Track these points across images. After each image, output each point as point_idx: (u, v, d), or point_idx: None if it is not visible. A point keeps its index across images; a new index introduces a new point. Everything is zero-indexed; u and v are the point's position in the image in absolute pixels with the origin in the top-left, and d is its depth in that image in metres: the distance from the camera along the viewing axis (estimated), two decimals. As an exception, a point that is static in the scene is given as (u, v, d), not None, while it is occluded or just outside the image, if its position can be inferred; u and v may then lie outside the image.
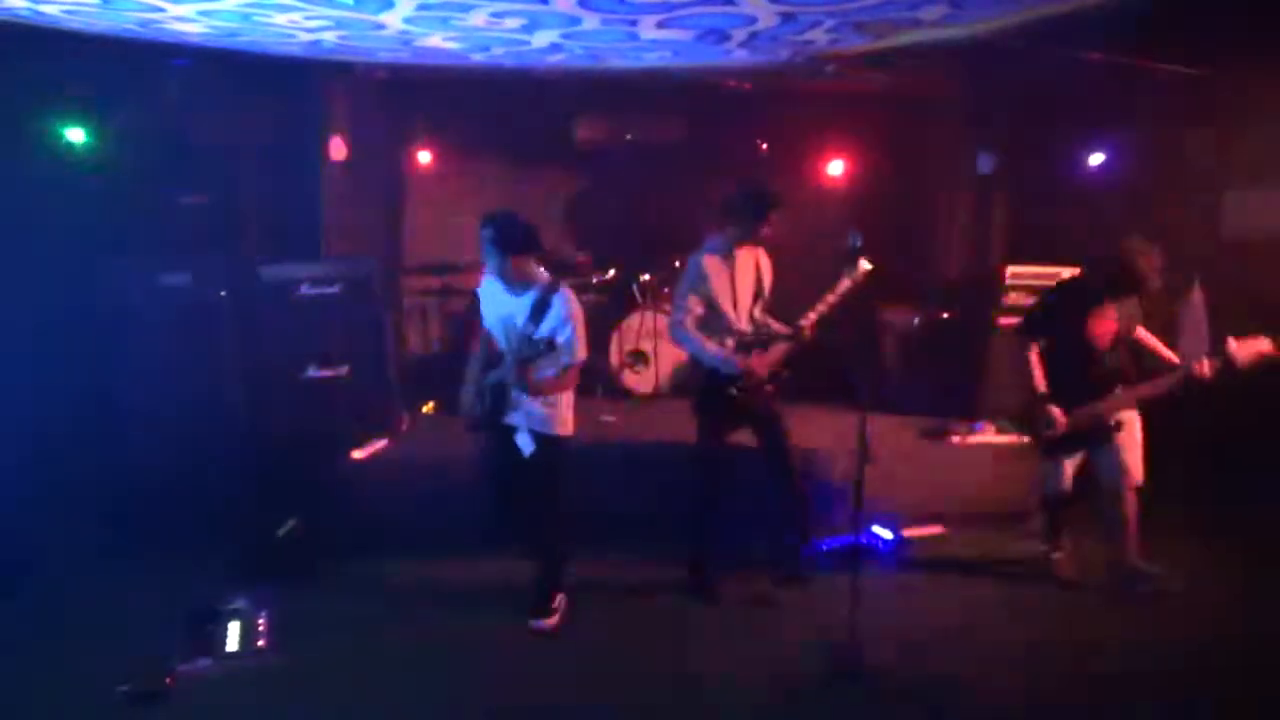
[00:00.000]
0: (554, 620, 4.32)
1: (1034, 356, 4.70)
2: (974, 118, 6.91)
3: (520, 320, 4.08)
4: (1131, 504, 4.62)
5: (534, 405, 4.16)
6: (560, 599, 4.39)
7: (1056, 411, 4.59)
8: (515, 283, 4.10)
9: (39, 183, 5.30)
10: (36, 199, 5.23)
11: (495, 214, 4.10)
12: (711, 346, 4.48)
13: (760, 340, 4.59)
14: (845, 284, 4.38)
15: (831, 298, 4.44)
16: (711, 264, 4.49)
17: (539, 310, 4.04)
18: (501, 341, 4.20)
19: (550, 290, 4.06)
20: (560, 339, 3.98)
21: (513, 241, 4.02)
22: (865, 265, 4.31)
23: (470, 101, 7.21)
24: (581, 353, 4.10)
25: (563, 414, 4.24)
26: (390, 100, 7.14)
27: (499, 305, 4.19)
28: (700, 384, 4.62)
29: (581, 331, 4.08)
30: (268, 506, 5.16)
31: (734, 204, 4.51)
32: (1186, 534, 5.26)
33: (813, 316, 4.47)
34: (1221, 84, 5.72)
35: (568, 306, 4.04)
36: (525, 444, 4.18)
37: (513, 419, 4.19)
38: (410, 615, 4.44)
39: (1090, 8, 4.46)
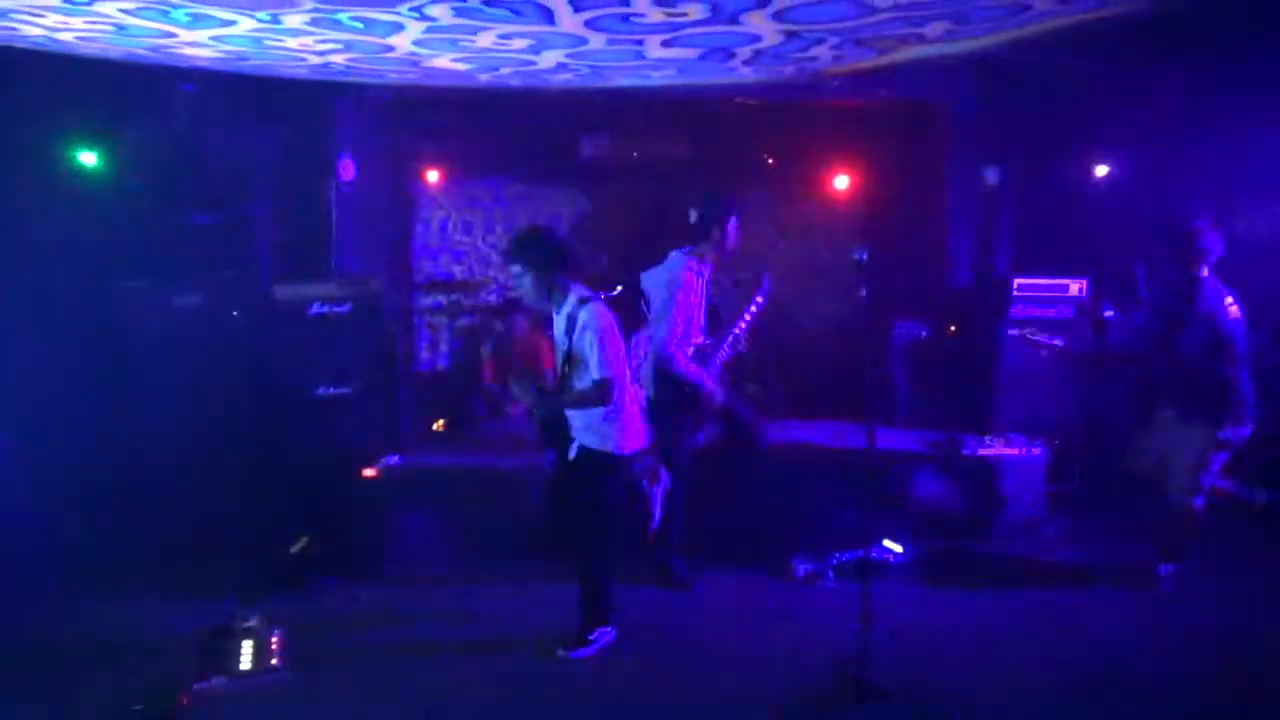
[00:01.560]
0: (586, 651, 4.18)
1: None
2: (980, 131, 6.94)
3: (559, 335, 4.14)
4: None
5: (583, 419, 4.14)
6: (603, 633, 4.24)
7: None
8: (552, 298, 4.17)
9: (52, 205, 5.37)
10: (49, 221, 5.30)
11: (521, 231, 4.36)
12: (697, 371, 4.74)
13: (706, 353, 4.91)
14: (759, 300, 5.05)
15: (749, 316, 5.09)
16: (689, 279, 4.66)
17: (570, 324, 4.06)
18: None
19: (579, 305, 4.07)
20: (587, 354, 3.98)
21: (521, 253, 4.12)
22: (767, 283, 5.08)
23: (478, 121, 7.28)
24: (605, 369, 3.99)
25: (611, 430, 4.13)
26: (398, 120, 7.21)
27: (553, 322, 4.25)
28: (668, 400, 4.73)
29: (609, 346, 4.01)
30: (280, 524, 5.18)
31: (698, 219, 4.75)
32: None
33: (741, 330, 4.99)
34: (1224, 93, 5.74)
35: (592, 320, 4.01)
36: (571, 454, 4.21)
37: (572, 431, 4.20)
38: (425, 633, 4.45)
39: (1090, 21, 4.49)
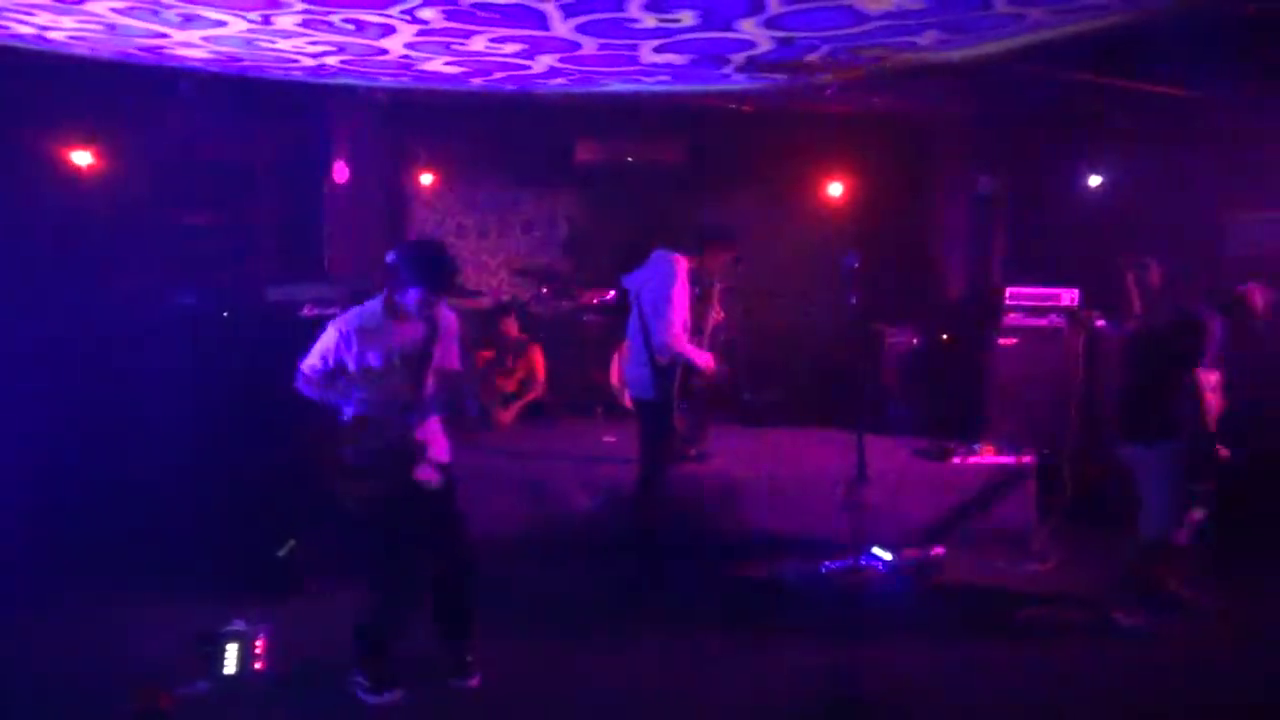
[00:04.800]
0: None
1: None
2: (973, 140, 6.96)
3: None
4: None
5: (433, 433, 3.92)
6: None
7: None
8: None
9: (45, 204, 5.36)
10: (43, 221, 5.29)
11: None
12: (695, 349, 4.82)
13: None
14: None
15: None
16: (683, 277, 4.75)
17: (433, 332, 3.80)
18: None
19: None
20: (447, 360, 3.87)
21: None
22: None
23: (472, 124, 7.28)
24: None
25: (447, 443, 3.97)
26: (392, 123, 7.21)
27: None
28: (663, 400, 4.74)
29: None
30: (269, 527, 5.16)
31: (706, 229, 4.92)
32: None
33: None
34: (1219, 106, 5.76)
35: (452, 323, 3.84)
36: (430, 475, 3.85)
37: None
38: (412, 635, 4.42)
39: (1084, 33, 4.50)
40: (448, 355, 3.79)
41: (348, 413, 3.75)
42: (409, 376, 3.69)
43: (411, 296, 3.60)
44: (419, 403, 3.70)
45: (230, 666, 4.03)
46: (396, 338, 3.67)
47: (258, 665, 4.06)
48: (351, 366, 3.67)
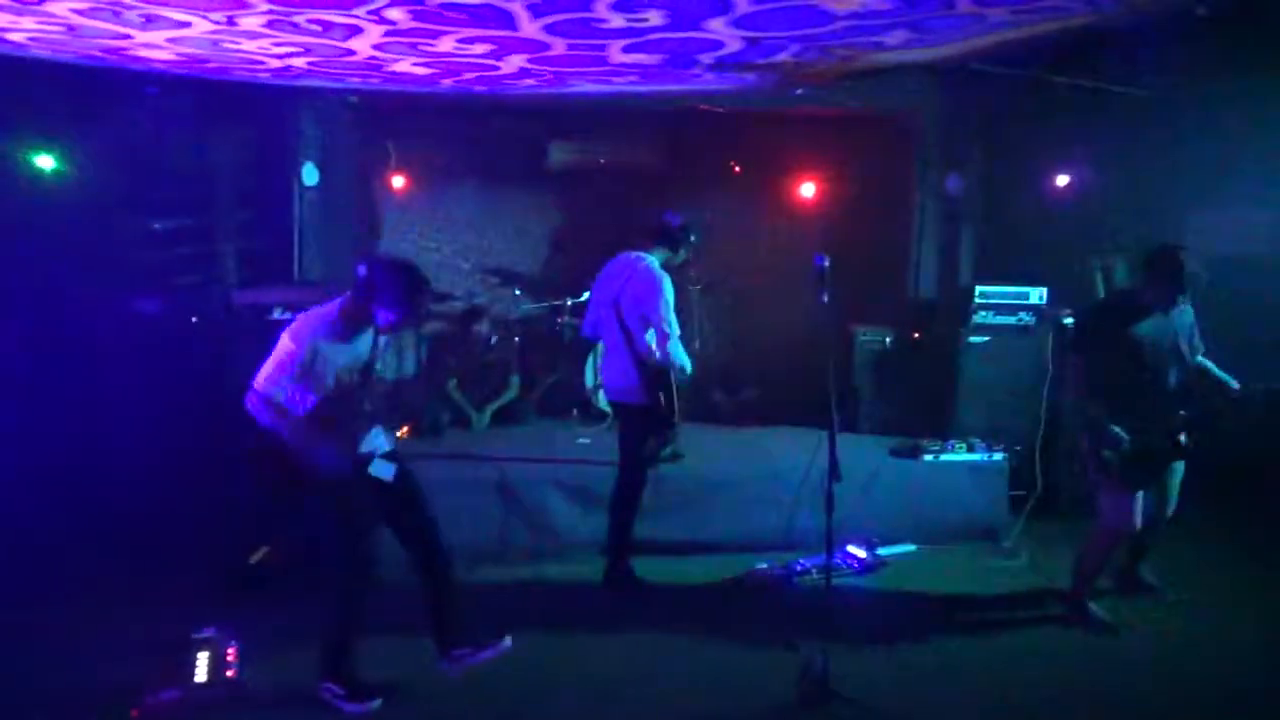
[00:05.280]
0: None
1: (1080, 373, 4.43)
2: (942, 140, 7.02)
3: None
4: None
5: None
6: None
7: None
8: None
9: (7, 209, 5.28)
10: (4, 226, 5.20)
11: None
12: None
13: None
14: None
15: None
16: (668, 282, 4.74)
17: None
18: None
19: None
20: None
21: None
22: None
23: (444, 125, 7.24)
24: None
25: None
26: (364, 125, 7.16)
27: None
28: (653, 404, 4.73)
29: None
30: (239, 533, 5.11)
31: (674, 229, 4.86)
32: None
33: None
34: (1180, 105, 5.85)
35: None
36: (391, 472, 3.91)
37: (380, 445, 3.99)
38: (384, 642, 4.38)
39: (1046, 33, 4.56)
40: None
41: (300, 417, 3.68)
42: (363, 385, 3.71)
43: (384, 318, 3.62)
44: (372, 410, 3.76)
45: (201, 675, 3.99)
46: (357, 349, 3.68)
47: (229, 674, 4.02)
48: (310, 378, 3.59)
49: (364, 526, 3.82)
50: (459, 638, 3.99)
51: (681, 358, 4.73)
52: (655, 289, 4.64)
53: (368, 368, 3.73)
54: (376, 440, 3.92)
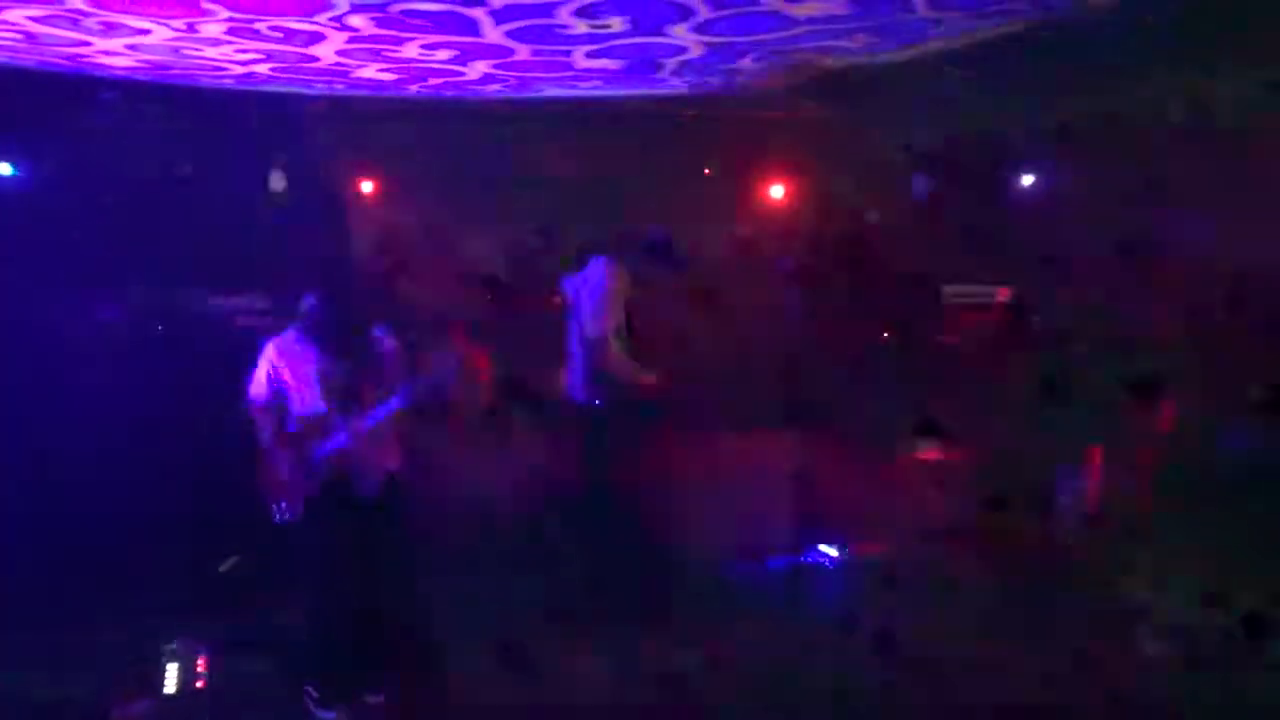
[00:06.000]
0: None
1: None
2: (909, 141, 7.08)
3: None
4: None
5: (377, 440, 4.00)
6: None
7: None
8: None
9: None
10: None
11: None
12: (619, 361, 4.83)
13: None
14: None
15: None
16: (616, 285, 4.86)
17: None
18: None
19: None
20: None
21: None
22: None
23: (412, 130, 7.21)
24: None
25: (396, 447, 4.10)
26: (331, 130, 7.12)
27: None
28: (609, 407, 4.78)
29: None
30: (208, 543, 5.07)
31: (645, 238, 5.02)
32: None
33: None
34: (1141, 108, 5.93)
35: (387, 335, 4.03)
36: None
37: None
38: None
39: (1005, 36, 4.62)
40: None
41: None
42: (330, 398, 3.85)
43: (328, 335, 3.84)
44: (344, 422, 3.80)
45: (171, 686, 3.97)
46: (315, 362, 3.87)
47: (199, 684, 4.00)
48: (279, 388, 3.91)
49: (332, 533, 3.88)
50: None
51: (626, 361, 4.76)
52: (600, 288, 4.69)
53: (335, 382, 3.87)
54: (382, 455, 3.95)
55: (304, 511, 3.86)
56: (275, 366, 3.93)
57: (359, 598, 3.88)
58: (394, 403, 3.76)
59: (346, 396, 3.82)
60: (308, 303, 3.91)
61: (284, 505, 3.88)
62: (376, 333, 3.99)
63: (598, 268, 4.90)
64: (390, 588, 3.93)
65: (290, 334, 3.96)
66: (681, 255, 5.09)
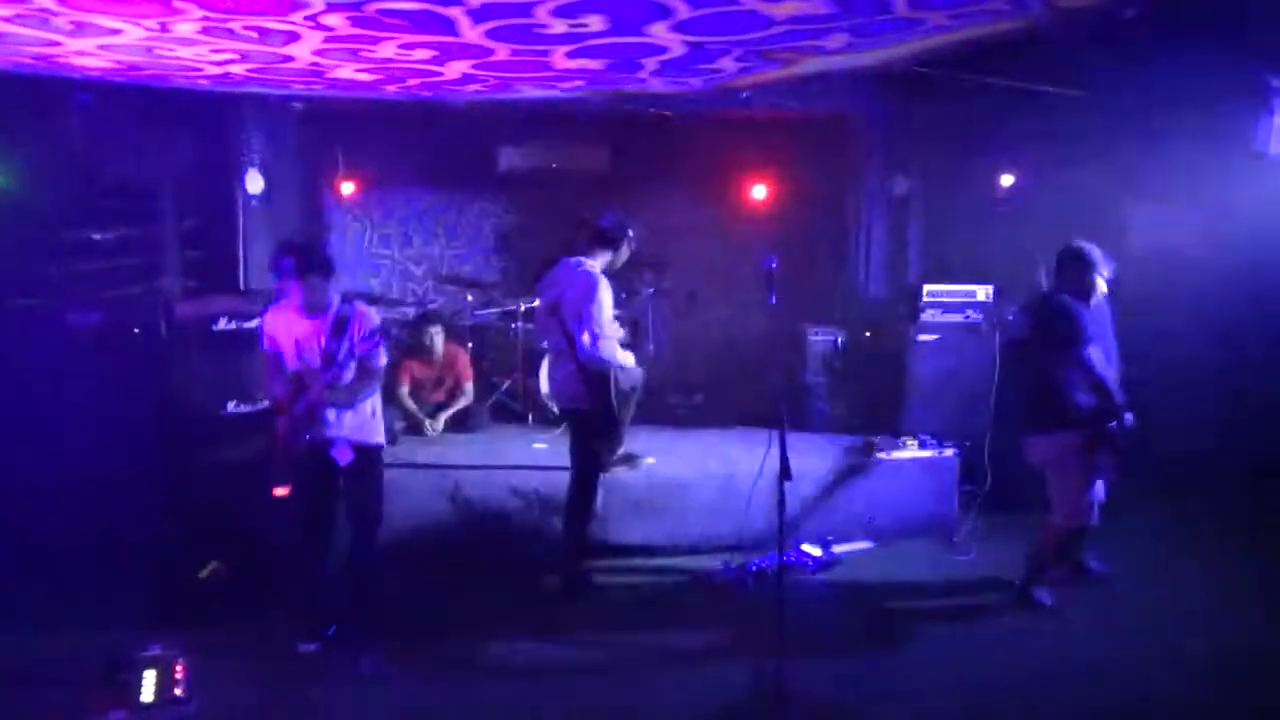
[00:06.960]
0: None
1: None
2: (888, 141, 7.11)
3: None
4: None
5: (357, 417, 4.25)
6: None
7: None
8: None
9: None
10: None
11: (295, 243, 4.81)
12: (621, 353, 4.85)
13: None
14: None
15: None
16: (603, 288, 4.75)
17: (342, 323, 4.18)
18: (295, 361, 4.23)
19: (346, 305, 4.27)
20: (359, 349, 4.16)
21: (314, 264, 4.22)
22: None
23: (392, 131, 7.18)
24: (378, 362, 4.25)
25: (379, 423, 4.37)
26: (309, 131, 7.07)
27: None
28: (596, 409, 4.74)
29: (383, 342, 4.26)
30: (187, 548, 5.01)
31: (608, 231, 4.87)
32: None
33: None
34: (1119, 107, 5.99)
35: (366, 317, 4.20)
36: (346, 458, 4.22)
37: (340, 432, 4.23)
38: (335, 658, 4.34)
39: (982, 37, 4.64)
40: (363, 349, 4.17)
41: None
42: (309, 364, 4.17)
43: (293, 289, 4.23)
44: (323, 390, 4.09)
45: (148, 694, 3.91)
46: (296, 328, 4.19)
47: (177, 692, 3.94)
48: (275, 350, 4.28)
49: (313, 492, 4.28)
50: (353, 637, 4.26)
51: (617, 358, 4.76)
52: (590, 292, 4.67)
53: (313, 349, 4.17)
54: (360, 428, 4.25)
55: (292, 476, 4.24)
56: (269, 335, 4.28)
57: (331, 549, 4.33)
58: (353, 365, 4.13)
59: (326, 358, 4.12)
60: (284, 263, 4.41)
61: (281, 468, 4.25)
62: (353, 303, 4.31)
63: (572, 270, 4.86)
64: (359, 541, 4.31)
65: (279, 300, 4.39)
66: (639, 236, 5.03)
